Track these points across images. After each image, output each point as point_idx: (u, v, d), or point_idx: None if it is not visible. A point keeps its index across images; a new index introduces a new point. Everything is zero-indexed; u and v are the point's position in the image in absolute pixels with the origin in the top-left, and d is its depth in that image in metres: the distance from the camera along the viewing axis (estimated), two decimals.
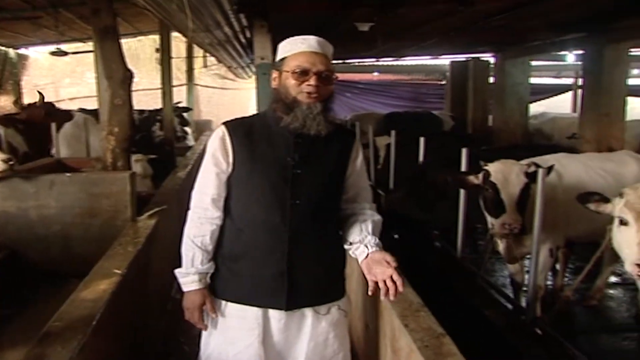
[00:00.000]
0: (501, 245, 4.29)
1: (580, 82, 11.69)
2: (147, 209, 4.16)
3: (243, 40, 7.78)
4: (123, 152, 4.59)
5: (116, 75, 4.42)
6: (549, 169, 3.72)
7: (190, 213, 2.28)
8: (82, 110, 9.08)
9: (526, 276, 4.40)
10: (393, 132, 6.75)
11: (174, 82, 9.48)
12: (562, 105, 16.18)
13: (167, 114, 8.91)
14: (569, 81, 16.68)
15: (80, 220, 4.08)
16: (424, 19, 7.01)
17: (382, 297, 2.12)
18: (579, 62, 10.91)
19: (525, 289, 4.31)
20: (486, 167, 3.97)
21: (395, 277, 2.08)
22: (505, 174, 3.84)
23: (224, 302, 2.28)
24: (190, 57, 13.59)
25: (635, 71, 14.27)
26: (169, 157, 8.04)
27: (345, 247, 2.34)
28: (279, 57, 2.21)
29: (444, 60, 14.48)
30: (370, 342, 2.85)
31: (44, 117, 6.96)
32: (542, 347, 3.43)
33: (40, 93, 7.38)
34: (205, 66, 15.88)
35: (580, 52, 8.91)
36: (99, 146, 5.54)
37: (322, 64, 2.12)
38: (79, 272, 2.87)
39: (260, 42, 6.09)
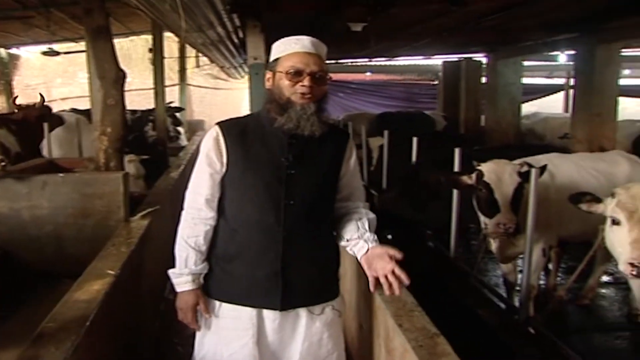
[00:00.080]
0: (494, 245, 4.30)
1: (572, 82, 11.76)
2: (140, 209, 4.15)
3: (236, 40, 7.76)
4: (116, 153, 4.58)
5: (109, 75, 4.40)
6: (542, 168, 3.73)
7: (183, 213, 2.28)
8: (74, 110, 9.07)
9: (519, 276, 4.42)
10: (386, 133, 6.76)
11: (167, 82, 9.45)
12: (554, 105, 16.24)
13: (160, 114, 8.88)
14: (560, 81, 16.75)
15: (73, 220, 4.07)
16: (417, 19, 7.02)
17: (386, 292, 2.13)
18: (571, 63, 10.96)
19: (518, 288, 4.33)
20: (479, 167, 3.98)
21: (397, 271, 2.09)
22: (499, 173, 3.85)
23: (218, 303, 2.28)
24: (182, 57, 13.55)
25: (626, 71, 14.34)
26: (161, 157, 8.02)
27: (342, 244, 2.34)
28: (272, 57, 2.22)
29: (437, 61, 14.51)
30: (364, 342, 2.85)
31: (38, 119, 6.95)
32: (535, 346, 3.44)
33: (41, 95, 7.39)
34: (197, 66, 15.84)
35: (572, 52, 8.95)
36: (92, 146, 5.51)
37: (316, 65, 2.12)
38: (72, 273, 2.87)
39: (253, 42, 6.08)
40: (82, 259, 3.05)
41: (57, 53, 10.80)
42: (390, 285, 2.11)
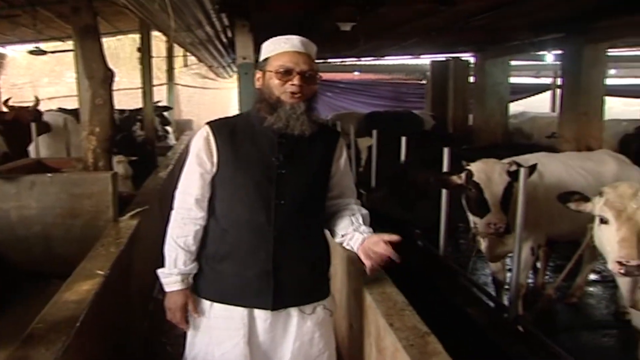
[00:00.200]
0: (483, 244, 4.31)
1: (559, 81, 11.83)
2: (129, 209, 4.13)
3: (224, 39, 7.76)
4: (104, 152, 4.55)
5: (97, 75, 4.37)
6: (532, 168, 3.75)
7: (173, 213, 2.27)
8: (61, 109, 9.01)
9: (508, 274, 4.44)
10: (375, 133, 6.77)
11: (154, 82, 9.42)
12: (541, 104, 16.34)
13: (148, 113, 8.84)
14: (547, 81, 16.85)
15: (61, 220, 4.04)
16: (406, 18, 7.04)
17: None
18: (558, 62, 11.00)
19: (507, 287, 4.35)
20: (468, 167, 3.98)
21: (394, 256, 2.11)
22: (488, 173, 3.85)
23: (209, 303, 2.27)
24: (170, 57, 13.49)
25: (612, 71, 14.43)
26: (150, 156, 7.99)
27: (338, 240, 2.35)
28: (262, 57, 2.21)
29: (425, 60, 14.56)
30: (355, 342, 2.85)
31: (29, 122, 6.91)
32: (524, 344, 3.46)
33: (36, 98, 7.37)
34: (185, 65, 15.81)
35: (559, 52, 8.98)
36: (80, 146, 5.49)
37: (306, 64, 2.12)
38: (61, 273, 2.85)
39: (242, 41, 6.08)
40: (71, 259, 3.03)
41: (44, 52, 10.74)
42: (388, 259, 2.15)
